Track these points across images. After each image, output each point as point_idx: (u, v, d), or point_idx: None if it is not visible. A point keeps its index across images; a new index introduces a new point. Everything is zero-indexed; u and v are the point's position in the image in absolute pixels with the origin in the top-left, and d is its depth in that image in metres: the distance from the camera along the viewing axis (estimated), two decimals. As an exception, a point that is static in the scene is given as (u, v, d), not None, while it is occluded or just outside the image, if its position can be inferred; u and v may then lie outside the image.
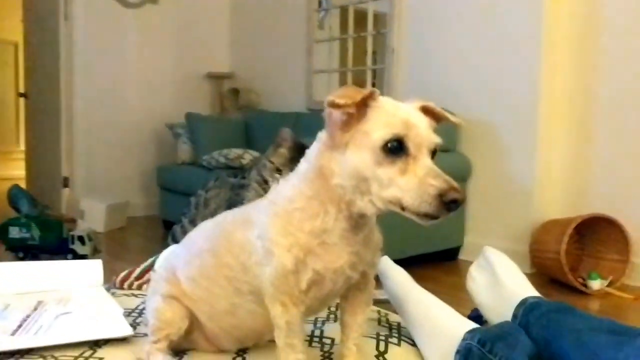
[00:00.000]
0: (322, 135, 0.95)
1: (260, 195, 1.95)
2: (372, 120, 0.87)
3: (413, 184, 0.83)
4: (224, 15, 5.18)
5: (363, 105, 0.87)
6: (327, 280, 0.96)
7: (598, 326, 0.98)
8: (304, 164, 0.98)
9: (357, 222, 0.94)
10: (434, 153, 0.88)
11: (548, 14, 3.03)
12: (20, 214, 3.71)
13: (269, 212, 0.98)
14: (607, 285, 2.78)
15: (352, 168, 0.88)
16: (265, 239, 0.96)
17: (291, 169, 1.94)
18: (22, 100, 5.39)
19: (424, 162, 0.84)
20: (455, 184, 0.82)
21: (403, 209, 0.84)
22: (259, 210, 1.02)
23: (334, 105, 0.85)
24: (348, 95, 0.85)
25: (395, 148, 0.84)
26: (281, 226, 0.95)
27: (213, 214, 1.86)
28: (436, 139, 0.88)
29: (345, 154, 0.89)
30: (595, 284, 2.74)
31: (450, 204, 0.81)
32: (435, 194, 0.81)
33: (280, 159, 1.97)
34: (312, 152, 0.97)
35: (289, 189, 0.97)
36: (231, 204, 2.01)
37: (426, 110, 0.93)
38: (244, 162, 3.38)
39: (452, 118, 0.97)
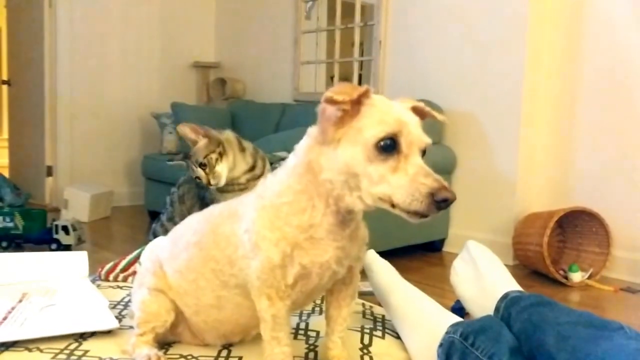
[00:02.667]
0: (312, 131, 0.96)
1: (222, 195, 1.94)
2: (365, 117, 0.88)
3: (404, 182, 0.84)
4: (211, 5, 5.13)
5: (357, 103, 0.88)
6: (313, 275, 0.97)
7: (578, 320, 1.00)
8: (292, 159, 0.98)
9: (344, 217, 0.96)
10: (423, 152, 0.89)
11: (532, 9, 3.05)
12: (3, 203, 3.69)
13: (257, 206, 0.99)
14: (588, 278, 2.82)
15: (343, 164, 0.89)
16: (252, 233, 0.97)
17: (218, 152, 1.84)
18: (5, 87, 5.31)
19: (415, 161, 0.86)
20: (445, 183, 0.83)
21: (393, 206, 0.85)
22: (246, 205, 1.03)
23: (331, 101, 0.86)
24: (345, 91, 0.86)
25: (388, 146, 0.85)
26: (269, 220, 0.96)
27: (190, 210, 1.84)
28: (427, 139, 0.89)
29: (336, 150, 0.89)
30: (576, 276, 2.78)
31: (440, 202, 0.82)
32: (427, 193, 0.82)
33: (203, 151, 1.93)
34: (301, 147, 0.98)
35: (277, 184, 0.98)
36: (202, 202, 1.99)
37: (416, 110, 0.95)
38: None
39: (438, 116, 0.99)
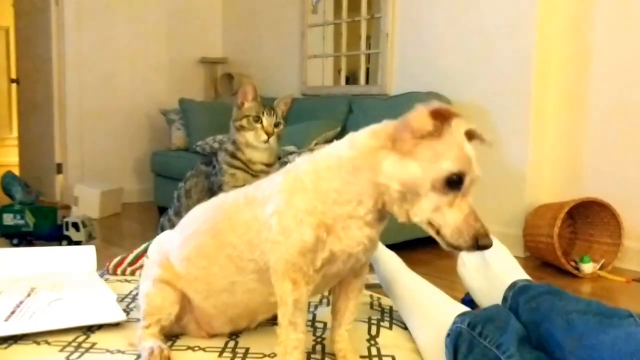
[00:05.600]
0: (377, 130, 0.95)
1: (232, 175, 1.95)
2: (445, 144, 0.88)
3: (458, 220, 0.88)
4: (217, 0, 5.13)
5: (443, 123, 0.89)
6: (339, 261, 0.98)
7: (586, 308, 0.99)
8: (348, 151, 0.97)
9: (385, 214, 0.98)
10: None
11: (542, -3, 3.02)
12: (14, 200, 3.71)
13: (294, 188, 0.97)
14: (599, 269, 2.79)
15: (410, 179, 0.89)
16: (285, 215, 0.96)
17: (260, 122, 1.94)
18: (14, 86, 5.35)
19: (470, 201, 0.90)
20: (487, 230, 0.88)
21: (438, 233, 0.90)
22: (267, 189, 1.02)
23: (448, 114, 0.87)
24: (453, 112, 0.88)
25: (455, 182, 0.88)
26: (310, 204, 0.95)
27: (196, 204, 1.87)
28: (481, 174, 0.91)
29: (406, 162, 0.89)
30: (588, 267, 2.76)
31: (480, 247, 0.89)
32: (473, 235, 0.88)
33: (247, 112, 1.96)
34: (363, 143, 0.95)
35: (324, 170, 0.97)
36: (211, 193, 2.00)
37: (468, 134, 0.93)
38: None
39: (487, 139, 0.97)
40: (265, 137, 1.93)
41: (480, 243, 0.88)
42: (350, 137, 0.99)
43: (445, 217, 0.89)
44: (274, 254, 0.97)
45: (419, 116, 0.88)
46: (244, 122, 1.94)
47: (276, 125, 1.96)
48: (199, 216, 1.15)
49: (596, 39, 2.99)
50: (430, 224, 0.90)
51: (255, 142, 1.94)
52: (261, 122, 1.94)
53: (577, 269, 2.77)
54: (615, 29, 2.93)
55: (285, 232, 0.95)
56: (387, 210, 0.95)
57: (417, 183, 0.88)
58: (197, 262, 1.10)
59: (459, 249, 0.89)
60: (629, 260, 2.87)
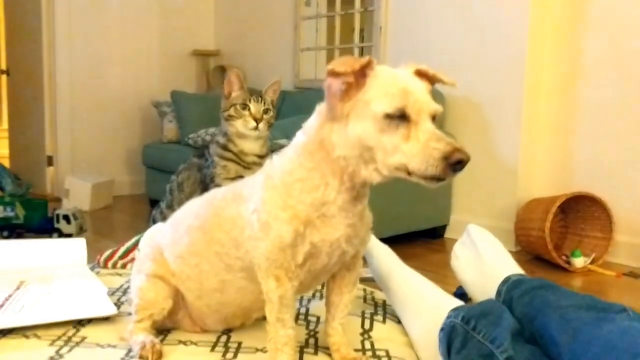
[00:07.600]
0: (321, 109, 0.95)
1: (224, 167, 1.94)
2: (371, 89, 0.87)
3: (417, 149, 0.84)
4: (210, -9, 5.10)
5: (362, 75, 0.87)
6: (323, 254, 0.97)
7: (580, 303, 0.99)
8: (301, 137, 0.97)
9: (358, 192, 0.95)
10: (433, 118, 0.88)
11: (536, -9, 3.02)
12: (4, 192, 3.68)
13: (266, 186, 0.97)
14: (590, 263, 2.81)
15: (356, 138, 0.88)
16: (262, 213, 0.96)
17: (246, 110, 1.92)
18: (4, 77, 5.29)
19: (426, 127, 0.85)
20: (458, 144, 0.83)
21: (409, 173, 0.85)
22: (252, 186, 1.02)
23: (334, 73, 0.86)
24: (347, 63, 0.85)
25: (397, 117, 0.85)
26: (280, 199, 0.95)
27: (189, 198, 1.86)
28: (435, 105, 0.88)
29: (347, 125, 0.89)
30: (579, 262, 2.77)
31: (455, 165, 0.82)
32: (440, 157, 0.82)
33: (234, 101, 1.95)
34: (311, 126, 0.96)
35: (287, 163, 0.97)
36: (204, 186, 1.99)
37: (420, 74, 0.94)
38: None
39: (445, 79, 0.97)
40: (253, 123, 1.91)
41: (451, 161, 0.82)
42: (304, 124, 0.99)
43: (405, 153, 0.84)
44: (256, 252, 0.97)
45: (332, 83, 0.89)
46: (232, 110, 1.93)
47: (265, 112, 1.94)
48: (191, 212, 1.14)
49: (588, 34, 2.99)
50: (397, 168, 0.86)
51: (244, 129, 1.93)
52: (249, 109, 1.92)
53: (568, 263, 2.79)
54: (607, 24, 2.93)
55: (264, 230, 0.95)
56: (358, 182, 0.93)
57: (363, 137, 0.87)
58: (189, 259, 1.10)
59: (435, 178, 0.83)
60: (619, 255, 2.88)
